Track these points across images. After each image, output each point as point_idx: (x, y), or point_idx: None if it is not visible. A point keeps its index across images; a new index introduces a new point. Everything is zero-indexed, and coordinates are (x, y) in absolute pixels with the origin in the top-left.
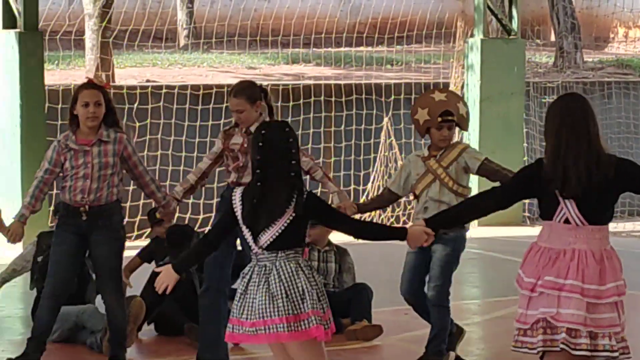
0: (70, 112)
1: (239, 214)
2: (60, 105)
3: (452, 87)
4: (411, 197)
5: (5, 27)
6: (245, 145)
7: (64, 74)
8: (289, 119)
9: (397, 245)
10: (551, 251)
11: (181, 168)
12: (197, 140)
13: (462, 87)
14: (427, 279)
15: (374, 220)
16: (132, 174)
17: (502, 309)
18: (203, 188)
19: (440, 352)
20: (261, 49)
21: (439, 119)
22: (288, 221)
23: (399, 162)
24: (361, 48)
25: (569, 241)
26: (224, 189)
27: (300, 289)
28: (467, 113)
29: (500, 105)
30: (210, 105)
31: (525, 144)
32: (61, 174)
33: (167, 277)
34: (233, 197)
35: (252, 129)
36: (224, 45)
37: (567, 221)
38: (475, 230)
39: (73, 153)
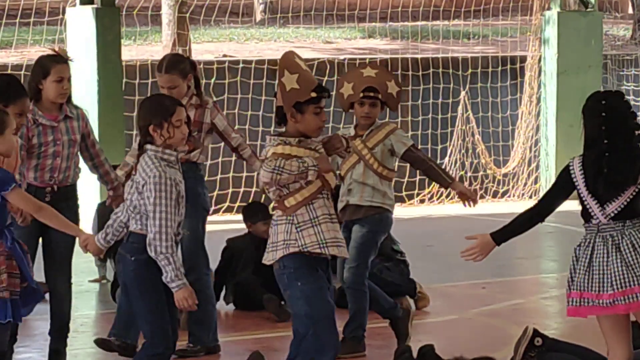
0: (36, 85)
1: (580, 184)
2: (137, 81)
3: (529, 61)
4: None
5: (82, 2)
6: None
7: (140, 49)
8: None
9: (474, 220)
10: None
11: (258, 142)
12: (274, 115)
13: (539, 60)
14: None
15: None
16: (87, 153)
17: None
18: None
19: (356, 338)
20: (337, 23)
21: (361, 94)
22: (637, 190)
23: (476, 136)
24: (437, 22)
25: None
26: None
27: None
28: (399, 93)
29: (577, 78)
30: None
31: None
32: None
33: (484, 247)
34: (571, 168)
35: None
36: (300, 20)
37: None
38: None
39: (42, 129)
